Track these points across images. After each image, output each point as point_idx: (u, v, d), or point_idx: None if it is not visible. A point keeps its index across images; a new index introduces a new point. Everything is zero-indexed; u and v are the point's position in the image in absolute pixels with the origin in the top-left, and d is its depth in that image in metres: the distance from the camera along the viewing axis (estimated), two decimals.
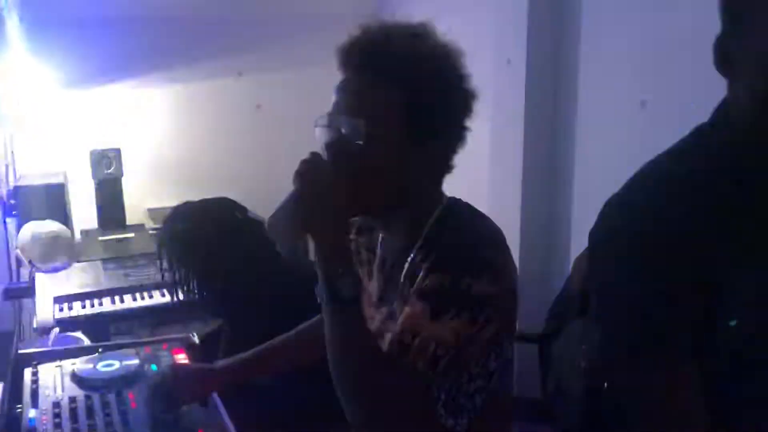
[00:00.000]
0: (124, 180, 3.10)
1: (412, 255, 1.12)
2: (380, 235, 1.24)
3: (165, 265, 2.22)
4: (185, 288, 2.21)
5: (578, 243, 2.29)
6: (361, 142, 1.02)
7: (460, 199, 1.18)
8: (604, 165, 2.22)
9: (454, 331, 1.00)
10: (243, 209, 2.28)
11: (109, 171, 3.03)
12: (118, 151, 3.04)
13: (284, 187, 1.02)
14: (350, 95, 1.06)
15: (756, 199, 0.89)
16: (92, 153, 3.01)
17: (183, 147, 3.44)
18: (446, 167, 1.15)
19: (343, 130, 1.04)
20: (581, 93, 2.30)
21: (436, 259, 1.04)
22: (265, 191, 3.35)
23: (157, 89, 3.35)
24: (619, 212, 0.94)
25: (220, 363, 1.51)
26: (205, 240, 2.12)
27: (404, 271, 1.13)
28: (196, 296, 2.22)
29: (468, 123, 1.12)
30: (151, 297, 2.57)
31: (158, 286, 2.57)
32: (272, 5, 3.30)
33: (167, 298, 2.47)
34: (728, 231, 0.87)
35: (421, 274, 1.05)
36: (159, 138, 3.39)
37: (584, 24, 2.25)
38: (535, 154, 2.42)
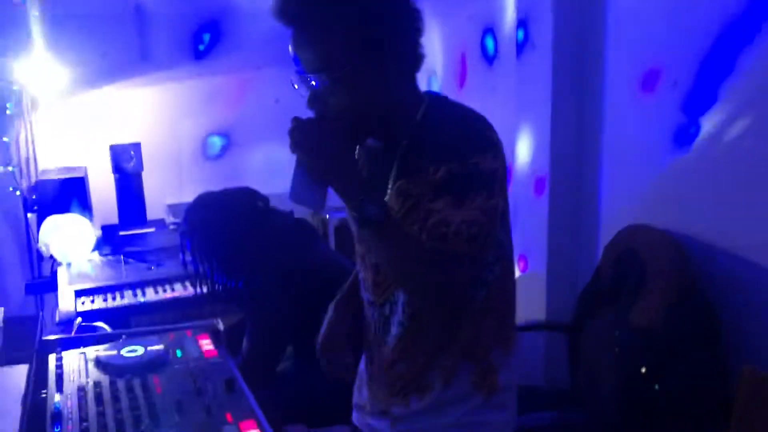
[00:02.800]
0: (144, 175, 3.09)
1: (401, 153, 1.20)
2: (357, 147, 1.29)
3: (187, 256, 2.20)
4: (208, 279, 2.19)
5: (607, 231, 2.24)
6: (328, 88, 1.13)
7: (439, 94, 1.25)
8: (632, 148, 2.17)
9: (479, 209, 1.09)
10: (265, 199, 2.25)
11: (129, 166, 3.01)
12: (137, 145, 3.03)
13: None
14: (301, 50, 1.14)
15: None
16: (112, 148, 3.00)
17: (203, 142, 3.42)
18: (413, 64, 1.20)
19: (313, 84, 1.14)
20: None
21: (436, 149, 1.13)
22: (286, 185, 3.39)
23: (176, 84, 3.33)
24: None
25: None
26: (226, 230, 2.09)
27: (394, 169, 1.21)
28: (219, 288, 2.20)
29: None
30: (173, 290, 2.55)
31: (180, 279, 2.55)
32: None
33: (189, 291, 2.46)
34: None
35: (426, 166, 1.12)
36: (179, 133, 3.38)
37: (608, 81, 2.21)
38: (562, 140, 2.37)
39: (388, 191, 1.21)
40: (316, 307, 2.01)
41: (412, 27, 1.17)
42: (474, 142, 1.12)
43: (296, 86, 1.19)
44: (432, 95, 1.24)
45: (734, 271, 1.82)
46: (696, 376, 1.78)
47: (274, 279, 2.05)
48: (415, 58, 1.19)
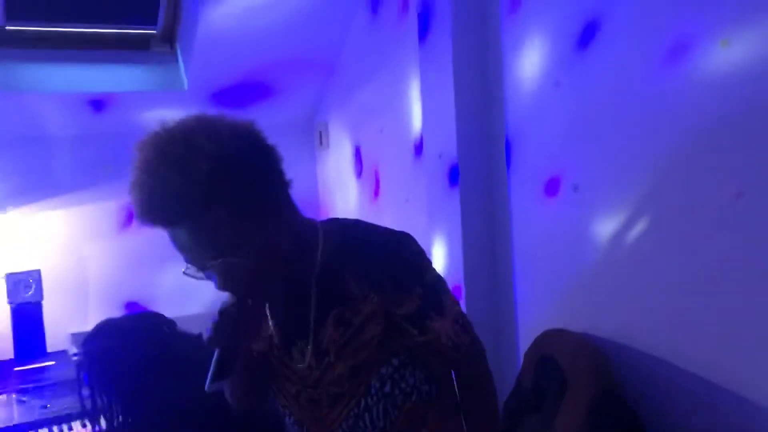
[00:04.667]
0: (45, 303, 2.91)
1: (316, 287, 1.21)
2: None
3: (85, 390, 2.03)
4: (108, 415, 2.02)
5: (526, 336, 2.22)
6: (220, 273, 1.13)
7: (332, 221, 1.30)
8: (543, 254, 2.20)
9: (452, 300, 1.28)
10: (171, 324, 2.14)
11: (27, 295, 2.83)
12: (37, 272, 2.86)
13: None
14: (183, 251, 1.13)
15: None
16: (8, 276, 2.82)
17: (109, 266, 3.27)
18: (288, 205, 1.20)
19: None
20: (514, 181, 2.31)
21: (387, 279, 1.18)
22: (199, 306, 3.25)
23: (84, 206, 3.22)
24: None
25: None
26: (128, 360, 1.97)
27: (313, 303, 1.22)
28: (120, 424, 2.03)
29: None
30: (70, 429, 2.33)
31: (79, 416, 2.35)
32: None
33: (88, 429, 2.26)
34: None
35: (362, 293, 1.18)
36: (85, 256, 3.23)
37: (509, 109, 2.29)
38: (475, 250, 2.39)
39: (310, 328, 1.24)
40: None
41: (275, 176, 1.17)
42: (414, 264, 1.22)
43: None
44: (326, 226, 1.26)
45: (653, 372, 1.82)
46: None
47: (182, 411, 1.91)
48: (287, 198, 1.20)
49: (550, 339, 2.03)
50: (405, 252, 1.22)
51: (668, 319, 1.77)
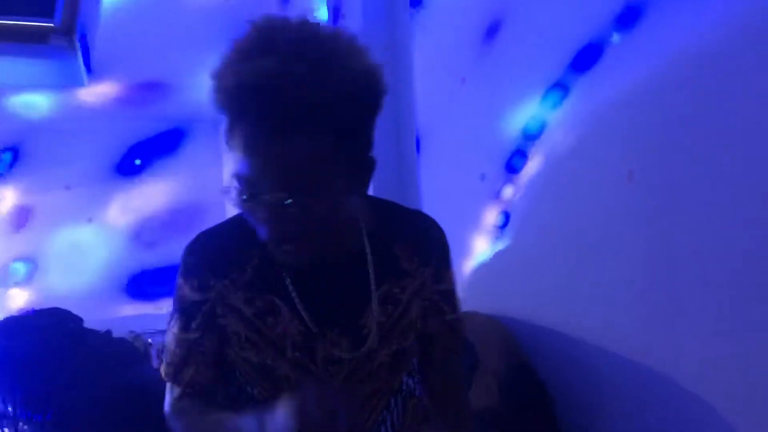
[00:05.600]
0: None
1: (371, 261, 1.06)
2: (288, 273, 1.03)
3: None
4: (10, 418, 1.93)
5: None
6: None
7: (373, 198, 1.15)
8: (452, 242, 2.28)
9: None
10: (78, 319, 2.07)
11: None
12: None
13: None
14: (290, 168, 0.87)
15: None
16: None
17: (3, 270, 3.10)
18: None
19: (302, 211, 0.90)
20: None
21: (432, 251, 1.16)
22: (102, 312, 3.13)
23: None
24: None
25: None
26: (33, 358, 1.89)
27: (371, 277, 1.06)
28: (23, 425, 1.94)
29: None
30: None
31: None
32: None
33: None
34: None
35: (414, 269, 1.11)
36: None
37: (418, 105, 2.37)
38: None
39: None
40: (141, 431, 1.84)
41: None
42: (445, 236, 1.21)
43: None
44: (373, 202, 1.14)
45: (560, 348, 1.92)
46: None
47: (91, 405, 1.85)
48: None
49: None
50: (439, 228, 1.19)
51: (572, 297, 1.88)
